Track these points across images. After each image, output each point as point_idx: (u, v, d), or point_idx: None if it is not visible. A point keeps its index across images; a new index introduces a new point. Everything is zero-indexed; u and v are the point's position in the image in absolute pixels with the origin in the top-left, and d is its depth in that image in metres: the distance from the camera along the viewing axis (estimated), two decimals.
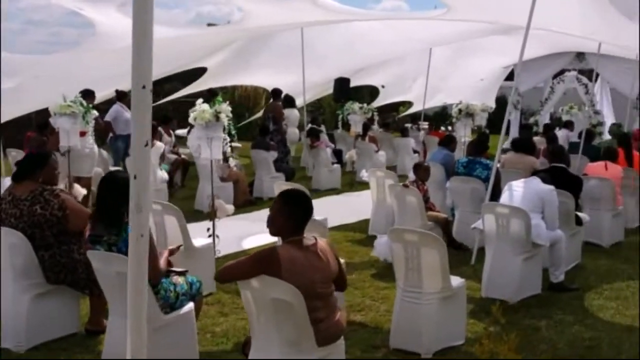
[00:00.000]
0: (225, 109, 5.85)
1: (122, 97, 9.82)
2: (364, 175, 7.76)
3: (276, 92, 11.88)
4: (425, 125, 15.77)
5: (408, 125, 16.96)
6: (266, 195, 9.92)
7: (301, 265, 3.08)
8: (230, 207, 6.22)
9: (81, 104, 7.00)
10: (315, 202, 3.49)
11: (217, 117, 5.80)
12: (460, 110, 11.40)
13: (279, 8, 9.36)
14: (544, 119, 17.88)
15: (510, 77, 17.27)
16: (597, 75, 18.62)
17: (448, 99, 16.11)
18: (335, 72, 13.88)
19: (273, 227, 3.22)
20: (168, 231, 5.09)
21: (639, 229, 7.98)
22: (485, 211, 5.37)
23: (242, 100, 18.72)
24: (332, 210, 9.06)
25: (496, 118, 20.95)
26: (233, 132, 6.03)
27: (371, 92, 19.43)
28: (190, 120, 5.89)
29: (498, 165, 6.47)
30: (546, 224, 5.33)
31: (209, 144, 5.86)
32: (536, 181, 5.44)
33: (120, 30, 8.40)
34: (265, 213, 3.31)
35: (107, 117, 9.85)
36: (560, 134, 12.55)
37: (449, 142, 8.45)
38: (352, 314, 4.79)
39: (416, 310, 4.12)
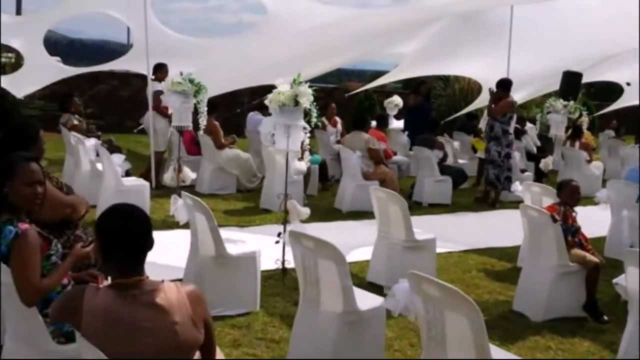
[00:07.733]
0: (305, 91, 4.71)
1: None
2: (518, 189, 5.90)
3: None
4: None
5: None
6: (425, 201, 8.46)
7: (117, 323, 1.87)
8: (305, 211, 5.02)
9: (191, 82, 6.43)
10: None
11: (295, 101, 4.73)
12: None
13: None
14: None
15: None
16: None
17: None
18: (560, 63, 11.47)
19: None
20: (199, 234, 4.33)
21: None
22: None
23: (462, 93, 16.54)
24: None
25: None
26: (314, 120, 4.86)
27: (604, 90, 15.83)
28: (267, 102, 4.91)
29: None
30: None
31: (285, 132, 4.79)
32: None
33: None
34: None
35: None
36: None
37: None
38: None
39: None
